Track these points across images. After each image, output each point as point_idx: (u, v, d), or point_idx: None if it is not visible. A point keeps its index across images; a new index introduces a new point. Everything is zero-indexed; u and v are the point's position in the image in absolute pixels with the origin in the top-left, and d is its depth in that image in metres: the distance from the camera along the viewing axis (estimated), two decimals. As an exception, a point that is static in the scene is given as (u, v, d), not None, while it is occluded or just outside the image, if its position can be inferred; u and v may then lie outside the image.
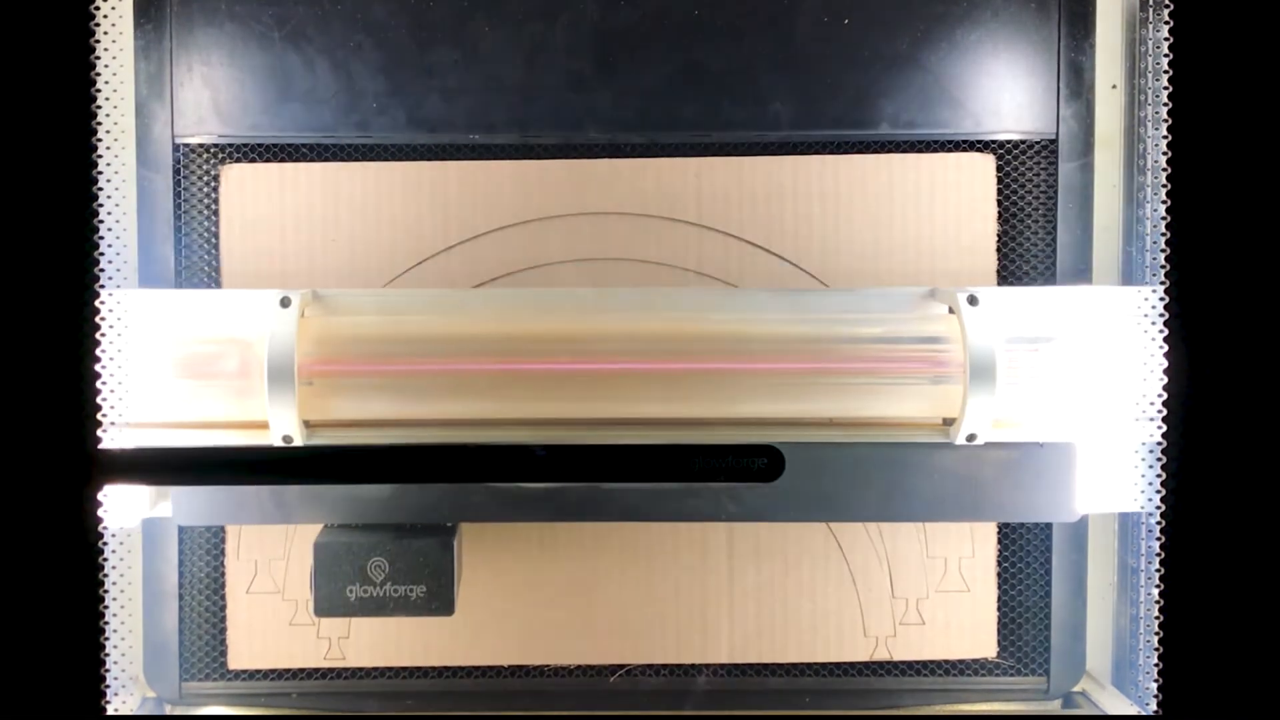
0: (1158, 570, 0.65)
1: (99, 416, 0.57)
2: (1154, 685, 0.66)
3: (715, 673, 0.81)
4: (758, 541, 0.80)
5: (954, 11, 0.77)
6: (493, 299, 0.72)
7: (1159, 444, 0.63)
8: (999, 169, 0.79)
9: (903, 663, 0.81)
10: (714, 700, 0.80)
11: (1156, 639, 0.65)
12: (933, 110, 0.77)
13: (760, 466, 0.62)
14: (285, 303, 0.67)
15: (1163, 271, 0.63)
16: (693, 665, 0.81)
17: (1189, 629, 0.64)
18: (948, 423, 0.68)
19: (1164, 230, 0.65)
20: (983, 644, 0.81)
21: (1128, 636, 0.77)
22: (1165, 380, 0.61)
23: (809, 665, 0.81)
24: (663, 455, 0.63)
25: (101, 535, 0.61)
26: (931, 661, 0.81)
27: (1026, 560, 0.80)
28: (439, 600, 0.68)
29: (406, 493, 0.68)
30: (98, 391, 0.57)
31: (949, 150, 0.79)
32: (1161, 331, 0.63)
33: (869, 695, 0.80)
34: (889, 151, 0.78)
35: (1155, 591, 0.66)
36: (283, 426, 0.65)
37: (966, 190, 0.79)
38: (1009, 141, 0.78)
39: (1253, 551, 0.62)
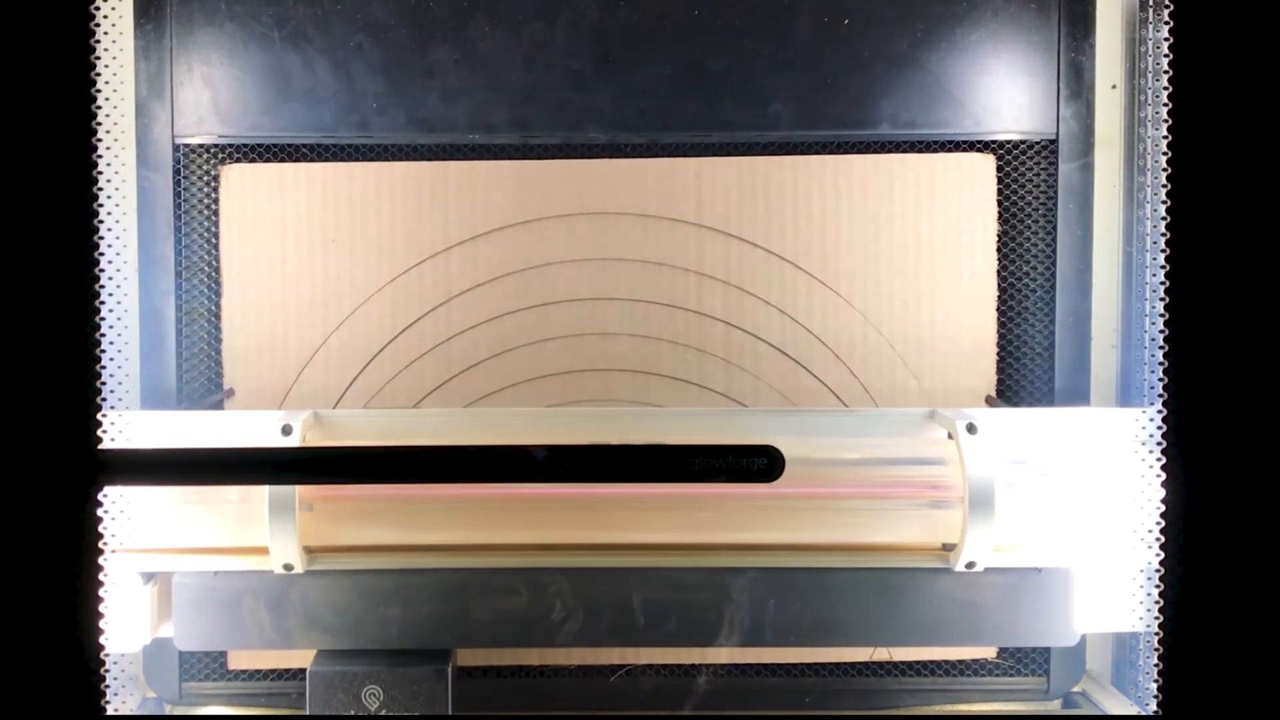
0: (1158, 570, 0.64)
1: (99, 545, 0.57)
2: (1154, 685, 0.66)
3: (715, 673, 0.81)
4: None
5: (954, 11, 0.77)
6: (491, 421, 0.73)
7: (1158, 570, 0.63)
8: (999, 169, 0.79)
9: (903, 663, 0.81)
10: (714, 700, 0.80)
11: (1156, 639, 0.65)
12: (933, 110, 0.77)
13: (760, 467, 0.61)
14: (287, 430, 0.67)
15: (1160, 398, 0.62)
16: (693, 665, 0.81)
17: (1189, 629, 0.64)
18: (947, 548, 0.69)
19: (1164, 230, 0.65)
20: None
21: (1128, 636, 0.77)
22: (1163, 507, 0.61)
23: (809, 665, 0.81)
24: (662, 456, 0.63)
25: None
26: (931, 662, 0.81)
27: (1026, 560, 0.80)
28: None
29: (406, 618, 0.68)
30: (99, 391, 0.57)
31: (949, 150, 0.79)
32: (1160, 459, 0.63)
33: (869, 695, 0.80)
34: (889, 151, 0.78)
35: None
36: (283, 556, 0.66)
37: (966, 190, 0.79)
38: (1009, 141, 0.78)
39: (1253, 552, 0.62)
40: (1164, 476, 0.61)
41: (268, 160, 0.78)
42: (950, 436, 0.68)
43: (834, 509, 0.68)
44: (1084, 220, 0.78)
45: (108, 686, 0.60)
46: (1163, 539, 0.61)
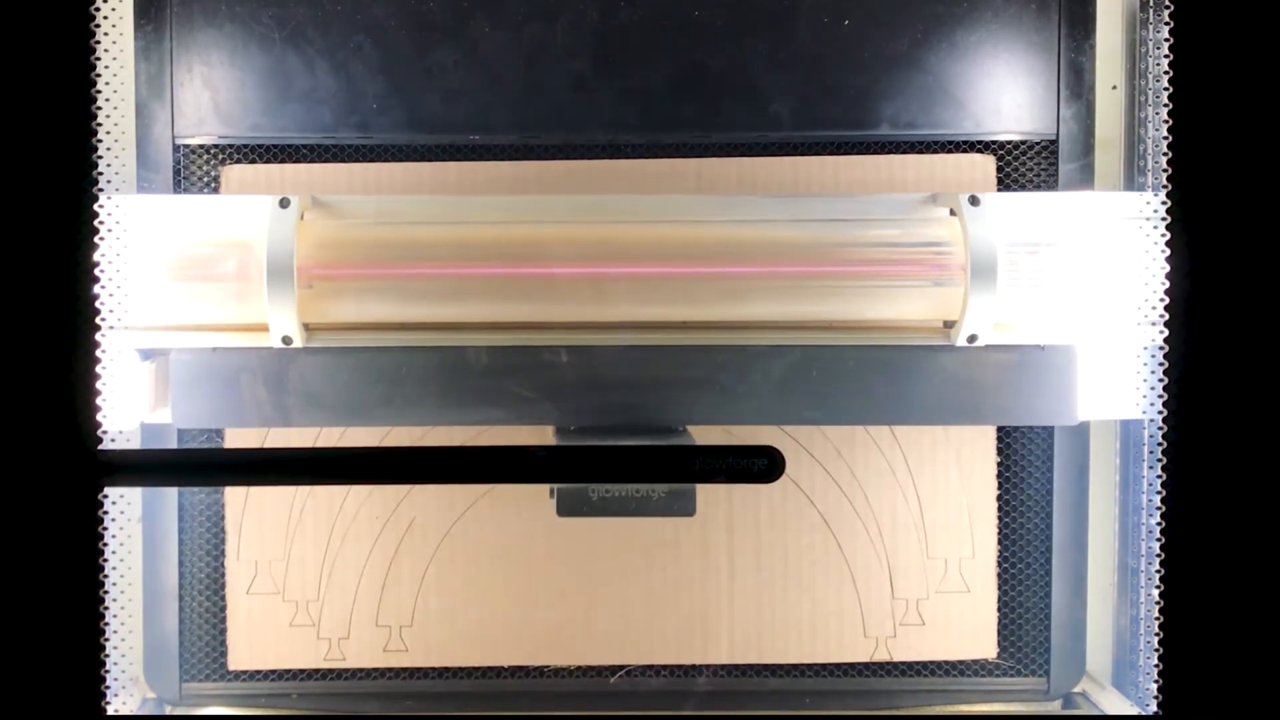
0: (1158, 571, 0.65)
1: (98, 320, 0.56)
2: (1154, 685, 0.66)
3: (715, 673, 0.81)
4: (758, 541, 0.80)
5: (954, 12, 0.77)
6: (491, 204, 0.71)
7: (1161, 348, 0.62)
8: (999, 169, 0.79)
9: (903, 663, 0.81)
10: (714, 700, 0.80)
11: (1156, 639, 0.65)
12: (933, 111, 0.77)
13: (760, 467, 0.61)
14: (284, 204, 0.66)
15: (1164, 175, 0.62)
16: (693, 665, 0.81)
17: (1189, 629, 0.64)
18: (949, 326, 0.68)
19: (1164, 231, 0.65)
20: (983, 644, 0.81)
21: (1128, 636, 0.77)
22: (1167, 285, 0.60)
23: (809, 665, 0.81)
24: (663, 456, 0.63)
25: (102, 535, 0.61)
26: (931, 662, 0.81)
27: (1026, 561, 0.80)
28: (680, 501, 0.67)
29: (405, 396, 0.67)
30: (98, 392, 0.57)
31: (949, 151, 0.79)
32: (1163, 235, 0.62)
33: (869, 695, 0.80)
34: (889, 152, 0.78)
35: (1155, 592, 0.66)
36: (282, 328, 0.65)
37: (966, 190, 0.79)
38: (1009, 142, 0.78)
39: (1253, 552, 0.62)
40: (1168, 252, 0.60)
41: (268, 161, 0.78)
42: (953, 213, 0.67)
43: (835, 287, 0.67)
44: (1084, 220, 0.78)
45: (108, 687, 0.60)
46: (1167, 316, 0.61)
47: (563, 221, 0.69)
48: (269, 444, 0.75)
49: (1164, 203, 0.62)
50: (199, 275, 0.66)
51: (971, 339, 0.66)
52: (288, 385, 0.67)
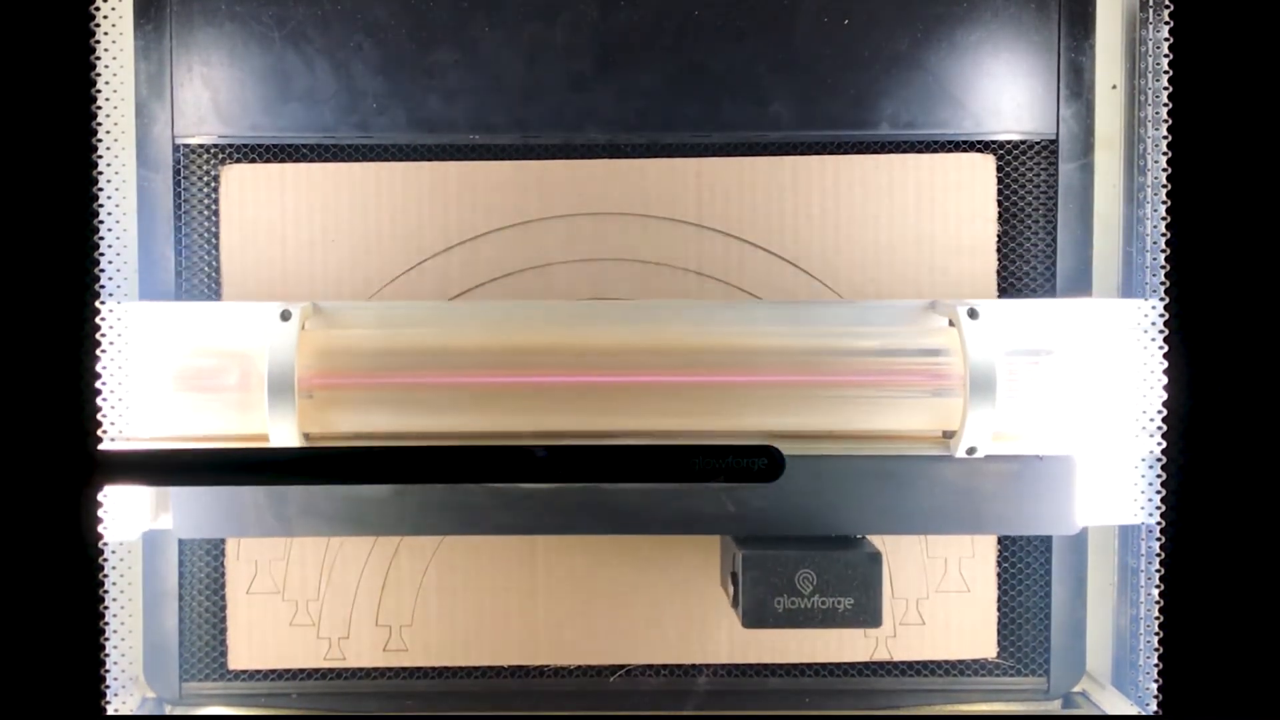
0: (1158, 571, 0.65)
1: (99, 432, 0.57)
2: (1154, 685, 0.66)
3: (715, 673, 0.81)
4: (758, 542, 0.80)
5: (954, 12, 0.77)
6: (492, 311, 0.72)
7: (1159, 459, 0.63)
8: (999, 169, 0.79)
9: (903, 663, 0.81)
10: (714, 700, 0.80)
11: (1156, 639, 0.65)
12: (933, 110, 0.77)
13: (760, 467, 0.61)
14: (285, 316, 0.67)
15: (1163, 287, 0.62)
16: (693, 665, 0.81)
17: (1189, 629, 0.64)
18: (948, 435, 0.68)
19: (1164, 231, 0.65)
20: (983, 644, 0.81)
21: (1128, 637, 0.77)
22: (1165, 395, 0.61)
23: (809, 665, 0.81)
24: (663, 456, 0.63)
25: (101, 535, 0.61)
26: (931, 662, 0.81)
27: (1026, 561, 0.80)
28: (866, 612, 0.67)
29: (405, 503, 0.67)
30: (97, 392, 0.57)
31: (949, 150, 0.79)
32: (1161, 347, 0.63)
33: (869, 695, 0.80)
34: (889, 151, 0.78)
35: (1155, 592, 0.66)
36: (283, 440, 0.65)
37: (966, 190, 0.79)
38: (1009, 142, 0.78)
39: (1253, 552, 0.62)
40: (1166, 365, 0.60)
41: (268, 160, 0.78)
42: (951, 324, 0.68)
43: (835, 397, 0.67)
44: (1084, 220, 0.78)
45: (108, 687, 0.60)
46: (1165, 428, 0.61)
47: (559, 329, 0.69)
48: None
49: (1162, 315, 0.63)
50: (200, 386, 0.67)
51: (971, 451, 0.67)
52: (288, 495, 0.67)
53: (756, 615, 0.67)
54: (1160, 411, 0.60)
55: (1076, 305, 0.69)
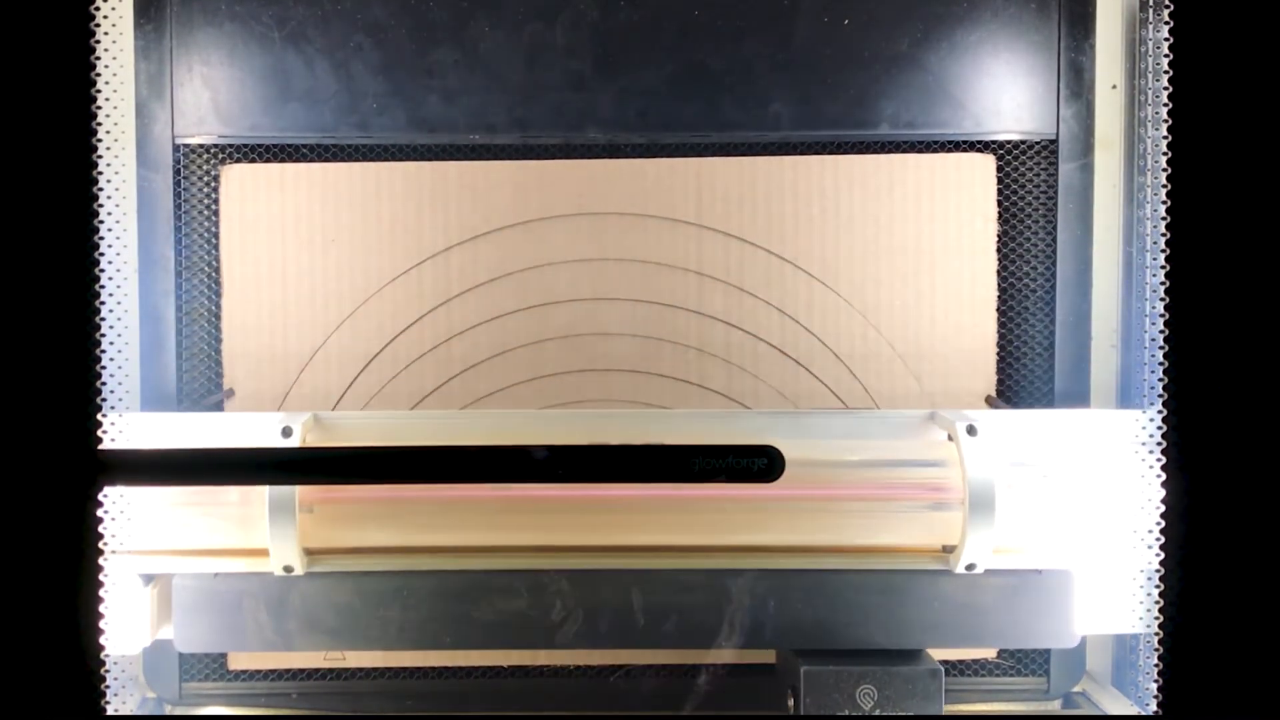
0: (1158, 570, 0.64)
1: (100, 545, 0.57)
2: (1154, 685, 0.66)
3: (715, 673, 0.81)
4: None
5: (954, 12, 0.77)
6: (492, 423, 0.72)
7: (1158, 571, 0.63)
8: (999, 169, 0.79)
9: (903, 663, 0.81)
10: (714, 700, 0.80)
11: (1156, 639, 0.65)
12: (933, 110, 0.77)
13: (760, 467, 0.61)
14: (287, 433, 0.67)
15: (1160, 399, 0.62)
16: (692, 666, 0.81)
17: (1189, 629, 0.63)
18: (948, 550, 0.69)
19: (1164, 231, 0.65)
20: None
21: (1128, 637, 0.77)
22: (1163, 508, 0.61)
23: (809, 665, 0.81)
24: (663, 456, 0.63)
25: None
26: (931, 662, 0.81)
27: (1026, 560, 0.80)
28: None
29: (406, 620, 0.68)
30: (99, 391, 0.57)
31: (949, 150, 0.79)
32: (1160, 459, 0.63)
33: (869, 695, 0.80)
34: (889, 151, 0.78)
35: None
36: (284, 557, 0.66)
37: (966, 190, 0.79)
38: (1009, 142, 0.78)
39: (1253, 552, 0.62)
40: (1164, 477, 0.61)
41: (268, 160, 0.78)
42: (950, 438, 0.68)
43: (834, 511, 0.68)
44: (1084, 220, 0.78)
45: (108, 687, 0.60)
46: (1163, 540, 0.61)
47: (558, 438, 0.70)
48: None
49: (1159, 428, 0.63)
50: (201, 501, 0.67)
51: (970, 567, 0.67)
52: (289, 610, 0.68)
53: None
54: (1158, 524, 0.61)
55: (1074, 416, 0.70)
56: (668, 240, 0.79)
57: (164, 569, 0.68)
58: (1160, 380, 0.60)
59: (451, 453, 0.64)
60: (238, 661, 0.80)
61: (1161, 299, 0.65)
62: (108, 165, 0.72)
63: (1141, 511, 0.67)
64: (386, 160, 0.78)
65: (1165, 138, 0.64)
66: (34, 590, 0.57)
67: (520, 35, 0.77)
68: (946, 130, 0.78)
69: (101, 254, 0.61)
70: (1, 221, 0.56)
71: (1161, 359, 0.62)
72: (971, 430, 0.67)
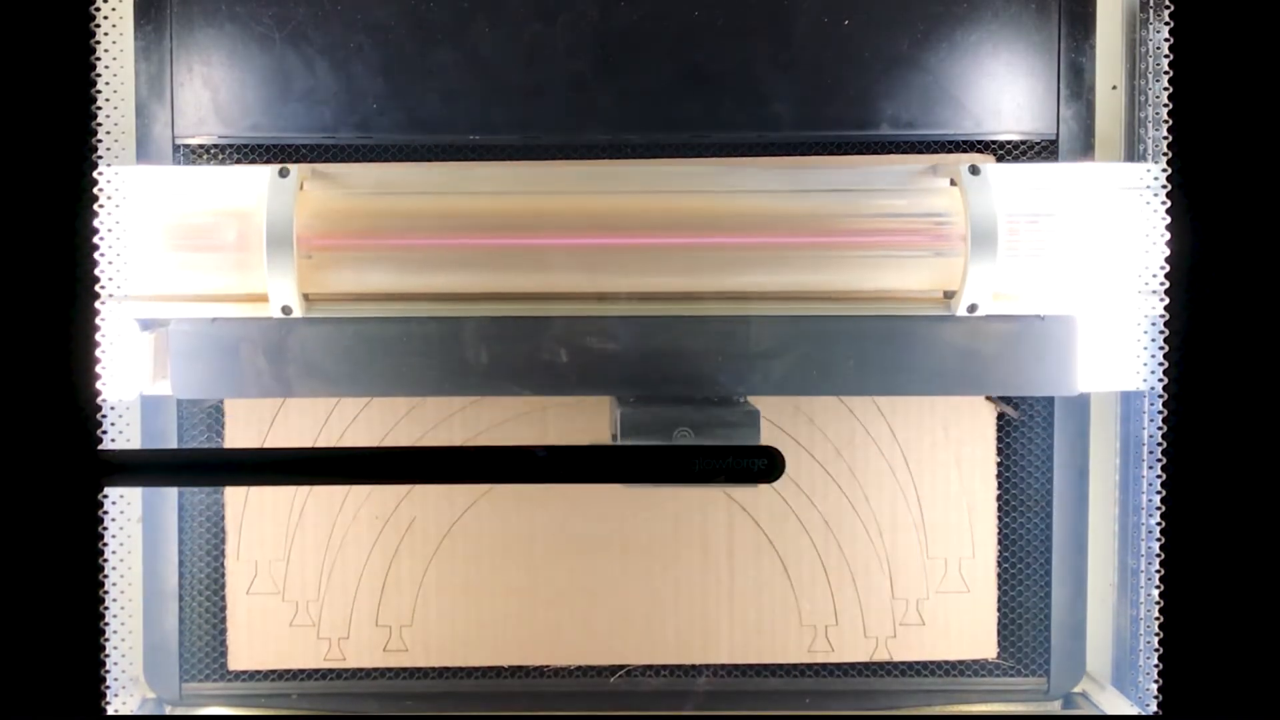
0: (1158, 571, 0.65)
1: (97, 289, 0.56)
2: (1154, 685, 0.66)
3: (715, 673, 0.81)
4: (758, 541, 0.80)
5: (954, 12, 0.77)
6: (491, 175, 0.71)
7: (1161, 318, 0.62)
8: (999, 169, 0.79)
9: (903, 663, 0.81)
10: (714, 700, 0.80)
11: (1156, 639, 0.65)
12: (933, 110, 0.77)
13: (760, 467, 0.61)
14: (284, 174, 0.66)
15: (1166, 153, 0.62)
16: (693, 665, 0.81)
17: (1189, 629, 0.64)
18: (949, 296, 0.68)
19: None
20: (983, 645, 0.81)
21: (1128, 637, 0.77)
22: (1167, 254, 0.60)
23: (809, 665, 0.81)
24: (663, 456, 0.63)
25: (102, 535, 0.61)
26: (931, 662, 0.81)
27: (1026, 561, 0.80)
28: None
29: (404, 365, 0.67)
30: (98, 392, 0.57)
31: (949, 150, 0.79)
32: (1164, 203, 0.62)
33: (869, 695, 0.80)
34: (889, 151, 0.78)
35: (1155, 592, 0.66)
36: (282, 297, 0.65)
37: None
38: (1009, 142, 0.78)
39: (1253, 551, 0.62)
40: (1168, 220, 0.60)
41: (268, 161, 0.78)
42: (953, 183, 0.67)
43: (835, 257, 0.67)
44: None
45: (108, 687, 0.60)
46: (1167, 285, 0.61)
47: (561, 192, 0.69)
48: (273, 435, 0.75)
49: (1164, 170, 0.62)
50: (198, 245, 0.66)
51: (972, 308, 0.66)
52: (287, 355, 0.67)
53: None
54: (1162, 271, 0.60)
55: (1079, 169, 0.69)
56: (668, 240, 0.79)
57: (160, 314, 0.67)
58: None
59: (452, 453, 0.64)
60: (238, 662, 0.80)
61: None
62: (108, 165, 0.71)
63: (1146, 260, 0.66)
64: (387, 160, 0.78)
65: (1165, 138, 0.64)
66: (34, 590, 0.57)
67: (520, 35, 0.77)
68: (946, 130, 0.78)
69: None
70: (2, 221, 0.56)
71: (1163, 325, 0.61)
72: (974, 170, 0.67)
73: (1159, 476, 0.65)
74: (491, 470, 0.64)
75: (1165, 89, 0.65)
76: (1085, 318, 0.69)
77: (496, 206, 0.67)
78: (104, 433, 0.60)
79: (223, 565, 0.79)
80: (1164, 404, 0.62)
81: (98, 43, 0.58)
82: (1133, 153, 0.77)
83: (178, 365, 0.67)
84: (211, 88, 0.77)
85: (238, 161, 0.78)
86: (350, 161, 0.78)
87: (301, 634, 0.79)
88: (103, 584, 0.60)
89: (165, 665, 0.78)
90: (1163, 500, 0.64)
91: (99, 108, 0.58)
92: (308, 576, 0.79)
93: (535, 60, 0.77)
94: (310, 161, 0.78)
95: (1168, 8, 0.65)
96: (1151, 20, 0.74)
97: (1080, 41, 0.77)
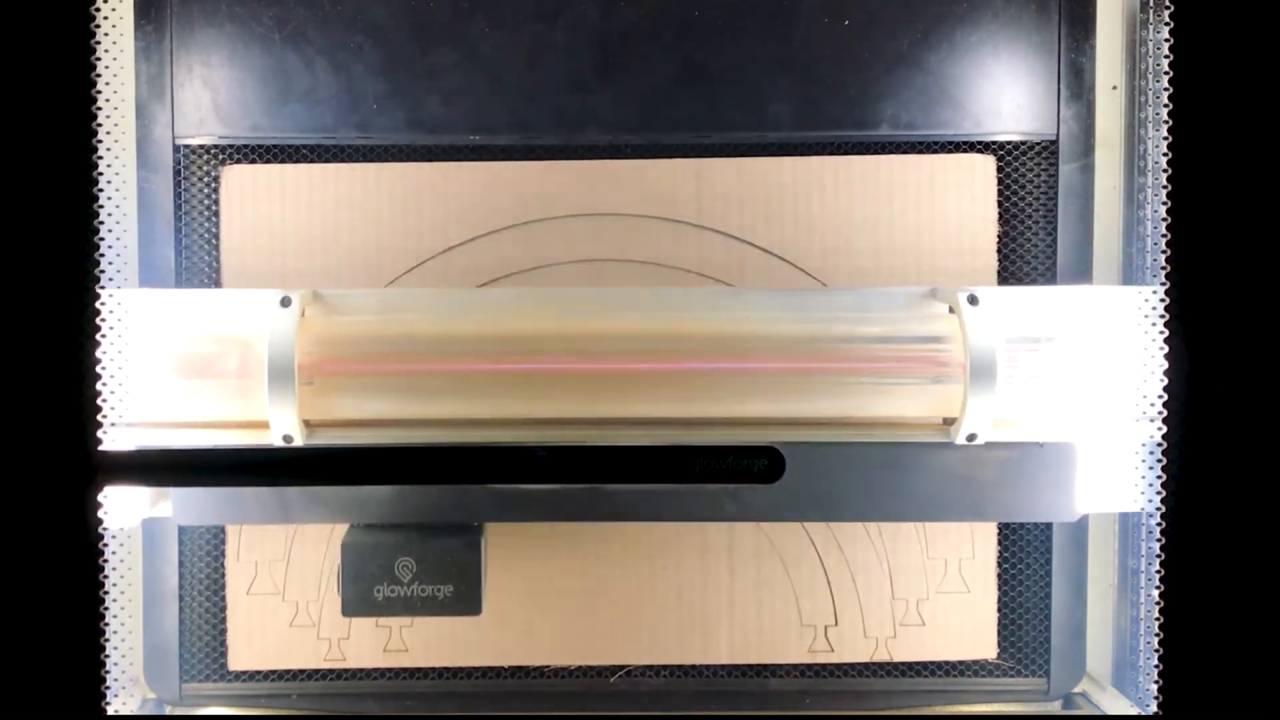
0: (1158, 571, 0.65)
1: (99, 417, 0.57)
2: (1154, 686, 0.66)
3: (715, 673, 0.81)
4: (758, 541, 0.80)
5: (954, 12, 0.77)
6: (493, 299, 0.72)
7: (1159, 444, 0.63)
8: (999, 170, 0.79)
9: (903, 664, 0.81)
10: (714, 700, 0.80)
11: (1156, 639, 0.65)
12: (933, 111, 0.77)
13: (760, 468, 0.62)
14: (286, 302, 0.67)
15: (1163, 273, 0.62)
16: (693, 665, 0.81)
17: (1189, 629, 0.64)
18: (948, 422, 0.69)
19: (1164, 231, 0.65)
20: (983, 645, 0.81)
21: (1128, 637, 0.77)
22: (1165, 381, 0.61)
23: (809, 665, 0.81)
24: (664, 456, 0.63)
25: (102, 536, 0.61)
26: (931, 662, 0.81)
27: (1026, 561, 0.80)
28: (466, 600, 0.68)
29: (409, 492, 0.68)
30: (98, 392, 0.57)
31: (949, 151, 0.79)
32: (1162, 332, 0.63)
33: (869, 695, 0.80)
34: (889, 152, 0.78)
35: (1155, 592, 0.66)
36: (283, 426, 0.65)
37: (967, 191, 0.79)
38: (1009, 142, 0.78)
39: (1253, 551, 0.62)
40: (1165, 349, 0.61)
41: (268, 161, 0.78)
42: (952, 311, 0.68)
43: (835, 384, 0.67)
44: (1084, 220, 0.78)
45: (108, 687, 0.60)
46: (1165, 414, 0.61)
47: (560, 314, 0.69)
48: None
49: (1162, 300, 0.63)
50: (200, 372, 0.67)
51: (971, 438, 0.67)
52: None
53: (357, 605, 0.68)
54: (1160, 397, 0.61)
55: (1077, 292, 0.70)
56: (668, 241, 0.79)
57: (162, 442, 0.67)
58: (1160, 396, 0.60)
59: (452, 453, 0.64)
60: (238, 662, 0.80)
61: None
62: (108, 166, 0.71)
63: (1144, 385, 0.67)
64: (386, 160, 0.78)
65: (1165, 138, 0.64)
66: (33, 590, 0.57)
67: (520, 35, 0.77)
68: (946, 131, 0.78)
69: (102, 254, 0.61)
70: (2, 221, 0.56)
71: (1160, 454, 0.62)
72: (973, 300, 0.67)
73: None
74: (491, 470, 0.64)
75: (1165, 89, 0.65)
76: (1084, 443, 0.70)
77: (494, 331, 0.68)
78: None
79: (223, 565, 0.79)
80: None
81: (98, 43, 0.58)
82: (1133, 153, 0.77)
83: (179, 492, 0.68)
84: (211, 88, 0.77)
85: (238, 161, 0.78)
86: (350, 161, 0.78)
87: (301, 634, 0.79)
88: (103, 584, 0.60)
89: (165, 665, 0.78)
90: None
91: (99, 108, 0.58)
92: (308, 577, 0.79)
93: (535, 60, 0.77)
94: (310, 162, 0.78)
95: (1168, 8, 0.65)
96: (1151, 20, 0.74)
97: (1080, 42, 0.77)
